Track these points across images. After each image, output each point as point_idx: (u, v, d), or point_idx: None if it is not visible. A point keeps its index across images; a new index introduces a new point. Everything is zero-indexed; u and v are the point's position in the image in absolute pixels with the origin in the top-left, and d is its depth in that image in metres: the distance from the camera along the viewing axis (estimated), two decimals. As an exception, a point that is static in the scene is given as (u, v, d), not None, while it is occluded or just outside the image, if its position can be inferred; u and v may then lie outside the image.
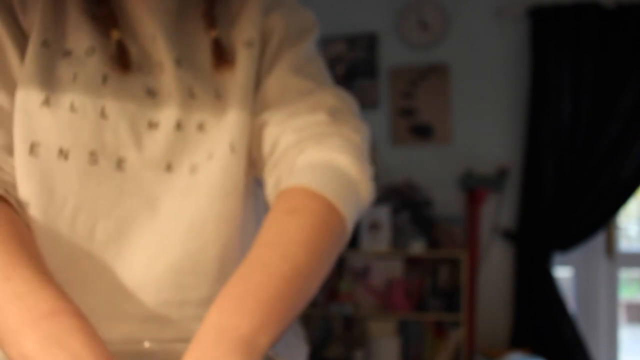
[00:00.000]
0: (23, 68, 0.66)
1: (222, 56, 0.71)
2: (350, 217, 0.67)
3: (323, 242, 0.63)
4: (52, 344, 0.51)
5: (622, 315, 3.24)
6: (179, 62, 0.70)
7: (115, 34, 0.68)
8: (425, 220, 3.09)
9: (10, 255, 0.58)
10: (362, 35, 3.27)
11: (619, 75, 2.86)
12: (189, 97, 0.70)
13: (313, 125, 0.70)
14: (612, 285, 3.06)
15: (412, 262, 3.12)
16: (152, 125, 0.68)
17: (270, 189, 0.71)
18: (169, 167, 0.68)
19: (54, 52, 0.67)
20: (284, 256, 0.60)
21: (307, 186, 0.65)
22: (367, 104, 3.21)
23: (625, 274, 3.33)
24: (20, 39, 0.68)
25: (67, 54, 0.68)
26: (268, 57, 0.74)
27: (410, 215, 3.10)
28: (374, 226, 3.04)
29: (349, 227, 0.67)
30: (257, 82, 0.73)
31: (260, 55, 0.73)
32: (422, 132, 3.20)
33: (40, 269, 0.58)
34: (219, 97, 0.71)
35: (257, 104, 0.72)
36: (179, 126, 0.69)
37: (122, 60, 0.68)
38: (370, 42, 3.27)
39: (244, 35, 0.73)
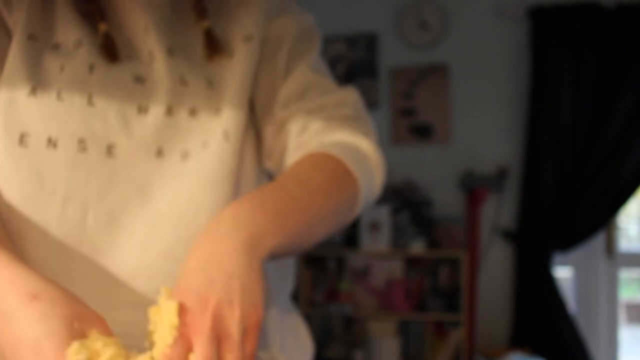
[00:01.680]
0: (7, 61, 0.66)
1: (214, 46, 0.72)
2: (364, 190, 0.72)
3: (337, 193, 0.68)
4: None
5: (622, 315, 3.24)
6: (170, 51, 0.71)
7: (102, 27, 0.69)
8: (425, 220, 3.09)
9: None
10: (362, 35, 3.27)
11: (619, 75, 2.86)
12: (180, 84, 0.70)
13: (341, 117, 0.75)
14: (612, 285, 3.06)
15: (412, 262, 3.12)
16: (142, 109, 0.69)
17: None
18: (159, 153, 0.69)
19: (41, 45, 0.68)
20: (301, 185, 0.65)
21: (331, 153, 0.70)
22: (367, 104, 3.17)
23: (625, 274, 3.33)
24: (5, 39, 0.68)
25: (56, 47, 0.69)
26: (284, 59, 0.76)
27: (410, 215, 3.10)
28: (374, 226, 3.04)
29: (361, 198, 0.72)
30: (259, 77, 0.75)
31: (261, 51, 0.75)
32: (422, 132, 3.20)
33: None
34: (211, 86, 0.72)
35: (279, 101, 0.75)
36: (169, 111, 0.69)
37: (110, 51, 0.69)
38: (370, 42, 3.27)
39: (243, 31, 0.74)
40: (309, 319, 3.12)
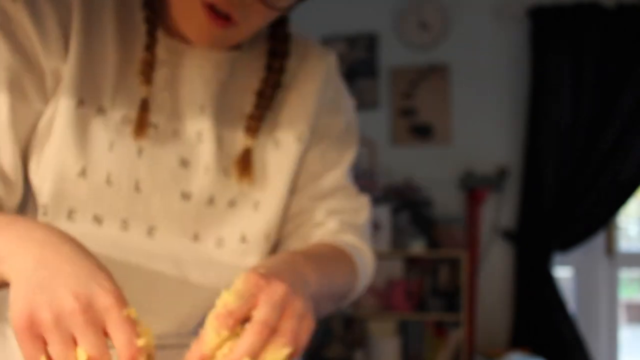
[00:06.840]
0: (56, 129, 0.66)
1: (246, 169, 0.73)
2: (361, 281, 0.81)
3: (345, 274, 0.76)
4: (25, 238, 0.54)
5: (622, 315, 3.24)
6: (220, 139, 0.73)
7: (143, 91, 0.69)
8: (425, 220, 3.09)
9: None
10: (362, 35, 3.27)
11: (619, 75, 2.86)
12: (224, 175, 0.73)
13: (352, 224, 0.83)
14: (612, 285, 3.06)
15: (412, 262, 3.12)
16: (185, 196, 0.71)
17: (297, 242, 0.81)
18: (196, 237, 0.72)
19: (88, 110, 0.68)
20: (322, 257, 0.72)
21: (342, 247, 0.78)
22: (367, 104, 3.20)
23: (625, 274, 3.33)
24: (40, 83, 0.67)
25: (101, 111, 0.69)
26: (327, 152, 0.80)
27: (410, 216, 3.10)
28: (374, 226, 3.04)
29: (358, 287, 0.80)
30: (303, 168, 0.80)
31: (310, 143, 0.78)
32: (422, 132, 3.20)
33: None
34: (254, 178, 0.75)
35: (310, 191, 0.80)
36: (211, 201, 0.72)
37: (140, 125, 0.69)
38: (370, 42, 3.27)
39: (296, 127, 0.76)
40: (309, 319, 3.12)
